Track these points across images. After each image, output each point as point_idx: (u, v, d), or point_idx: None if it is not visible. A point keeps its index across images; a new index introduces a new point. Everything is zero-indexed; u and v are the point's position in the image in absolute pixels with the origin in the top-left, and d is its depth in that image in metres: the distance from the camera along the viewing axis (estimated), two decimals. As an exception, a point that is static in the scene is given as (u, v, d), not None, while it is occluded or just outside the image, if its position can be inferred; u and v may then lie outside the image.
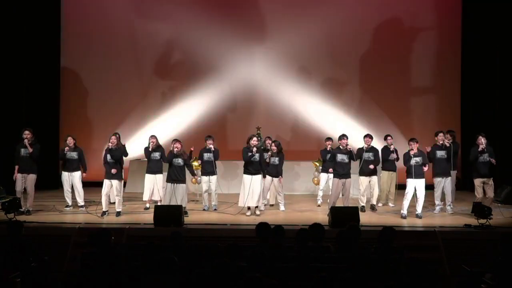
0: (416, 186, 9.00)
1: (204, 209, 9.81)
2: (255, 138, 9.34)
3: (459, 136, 12.83)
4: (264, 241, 5.94)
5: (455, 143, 9.97)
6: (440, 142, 9.51)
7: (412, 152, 8.98)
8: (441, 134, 9.57)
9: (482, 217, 8.22)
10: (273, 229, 6.03)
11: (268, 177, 9.78)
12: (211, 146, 9.74)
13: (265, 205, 9.91)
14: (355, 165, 10.01)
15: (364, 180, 9.86)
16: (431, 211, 9.61)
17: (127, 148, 10.03)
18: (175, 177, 9.06)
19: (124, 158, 9.75)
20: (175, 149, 9.07)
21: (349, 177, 9.30)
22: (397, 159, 10.01)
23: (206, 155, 9.79)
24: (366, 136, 9.99)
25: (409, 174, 9.05)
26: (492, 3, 12.52)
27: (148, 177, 9.90)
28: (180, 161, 9.08)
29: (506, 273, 5.03)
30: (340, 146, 9.34)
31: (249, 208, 9.31)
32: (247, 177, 9.26)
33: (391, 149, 10.02)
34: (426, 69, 13.43)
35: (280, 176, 9.93)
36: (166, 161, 9.16)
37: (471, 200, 9.46)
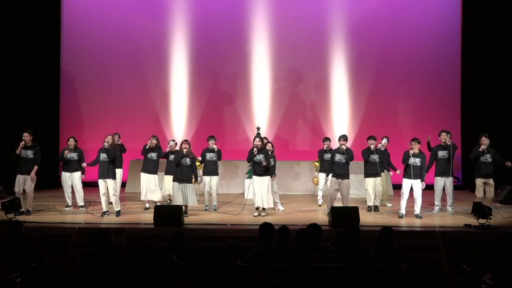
0: (413, 186, 9.00)
1: (206, 209, 9.82)
2: (257, 139, 9.35)
3: (459, 136, 12.87)
4: (266, 241, 5.93)
5: (453, 144, 9.97)
6: (442, 142, 9.50)
7: (411, 152, 8.97)
8: (443, 134, 9.56)
9: (482, 217, 8.21)
10: (278, 229, 6.03)
11: None
12: (214, 146, 9.75)
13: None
14: (355, 166, 10.01)
15: (370, 181, 9.82)
16: (431, 211, 9.61)
17: (126, 148, 10.03)
18: (182, 176, 9.09)
19: (123, 156, 9.76)
20: (184, 150, 9.09)
21: (347, 177, 9.26)
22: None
23: (209, 155, 9.80)
24: (369, 138, 9.92)
25: (406, 174, 9.05)
26: (492, 3, 12.54)
27: (144, 176, 9.90)
28: (188, 160, 9.11)
29: (506, 273, 5.02)
30: (339, 146, 9.34)
31: (257, 208, 9.31)
32: (255, 178, 9.25)
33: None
34: (426, 69, 13.43)
35: (274, 175, 9.97)
36: (177, 161, 9.14)
37: (471, 200, 9.47)
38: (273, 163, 9.86)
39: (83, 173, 9.85)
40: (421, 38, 13.40)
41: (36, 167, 9.29)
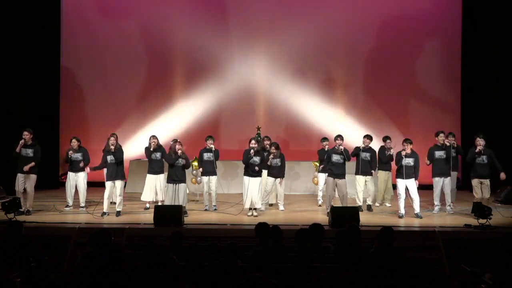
0: (407, 186, 9.03)
1: (206, 209, 9.81)
2: (253, 141, 9.34)
3: (459, 136, 12.86)
4: (263, 241, 5.94)
5: (457, 145, 9.98)
6: (441, 142, 9.52)
7: (404, 153, 9.00)
8: (441, 134, 9.58)
9: (482, 217, 8.22)
10: (270, 229, 6.04)
11: (271, 178, 9.77)
12: (212, 146, 9.74)
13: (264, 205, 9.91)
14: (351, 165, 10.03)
15: (360, 179, 9.88)
16: (431, 211, 9.61)
17: (124, 149, 10.00)
18: (177, 177, 9.09)
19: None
20: (179, 151, 9.08)
21: (344, 177, 9.30)
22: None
23: (206, 155, 9.79)
24: (365, 136, 10.03)
25: (399, 174, 9.10)
26: (492, 3, 12.53)
27: (150, 177, 9.86)
28: (181, 161, 9.11)
29: (506, 273, 5.02)
30: (335, 147, 9.36)
31: (250, 208, 9.33)
32: (246, 179, 9.29)
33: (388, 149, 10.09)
34: (426, 70, 13.42)
35: (282, 178, 9.92)
36: (170, 162, 9.14)
37: (471, 200, 9.46)
38: (279, 163, 9.77)
39: (85, 165, 9.81)
40: (421, 38, 13.39)
41: (33, 163, 9.25)
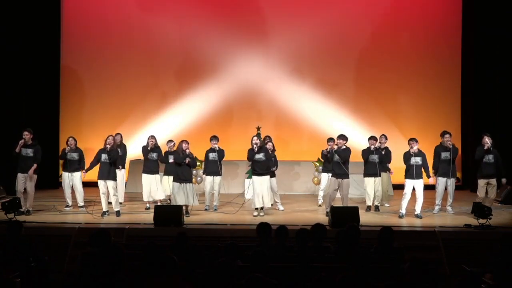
0: (414, 186, 9.01)
1: (206, 209, 9.81)
2: (255, 138, 9.37)
3: (459, 136, 12.88)
4: (264, 241, 5.94)
5: (454, 147, 9.98)
6: (446, 144, 9.45)
7: (412, 151, 8.97)
8: (447, 136, 9.50)
9: (482, 217, 8.21)
10: (276, 229, 6.04)
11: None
12: (216, 146, 9.75)
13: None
14: (354, 166, 10.01)
15: (369, 181, 9.83)
16: (431, 211, 9.61)
17: (127, 148, 10.01)
18: (184, 176, 9.12)
19: (123, 157, 9.79)
20: (187, 150, 9.09)
21: (347, 177, 9.25)
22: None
23: (211, 155, 9.80)
24: (371, 138, 9.95)
25: (408, 174, 9.04)
26: (492, 3, 12.53)
27: (146, 177, 9.89)
28: (188, 160, 9.13)
29: (506, 273, 5.03)
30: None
31: (256, 208, 9.31)
32: (255, 178, 9.26)
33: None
34: (426, 69, 13.43)
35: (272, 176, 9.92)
36: (179, 161, 9.14)
37: (471, 200, 9.46)
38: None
39: (83, 169, 9.82)
40: (421, 38, 13.39)
41: (35, 165, 9.27)
